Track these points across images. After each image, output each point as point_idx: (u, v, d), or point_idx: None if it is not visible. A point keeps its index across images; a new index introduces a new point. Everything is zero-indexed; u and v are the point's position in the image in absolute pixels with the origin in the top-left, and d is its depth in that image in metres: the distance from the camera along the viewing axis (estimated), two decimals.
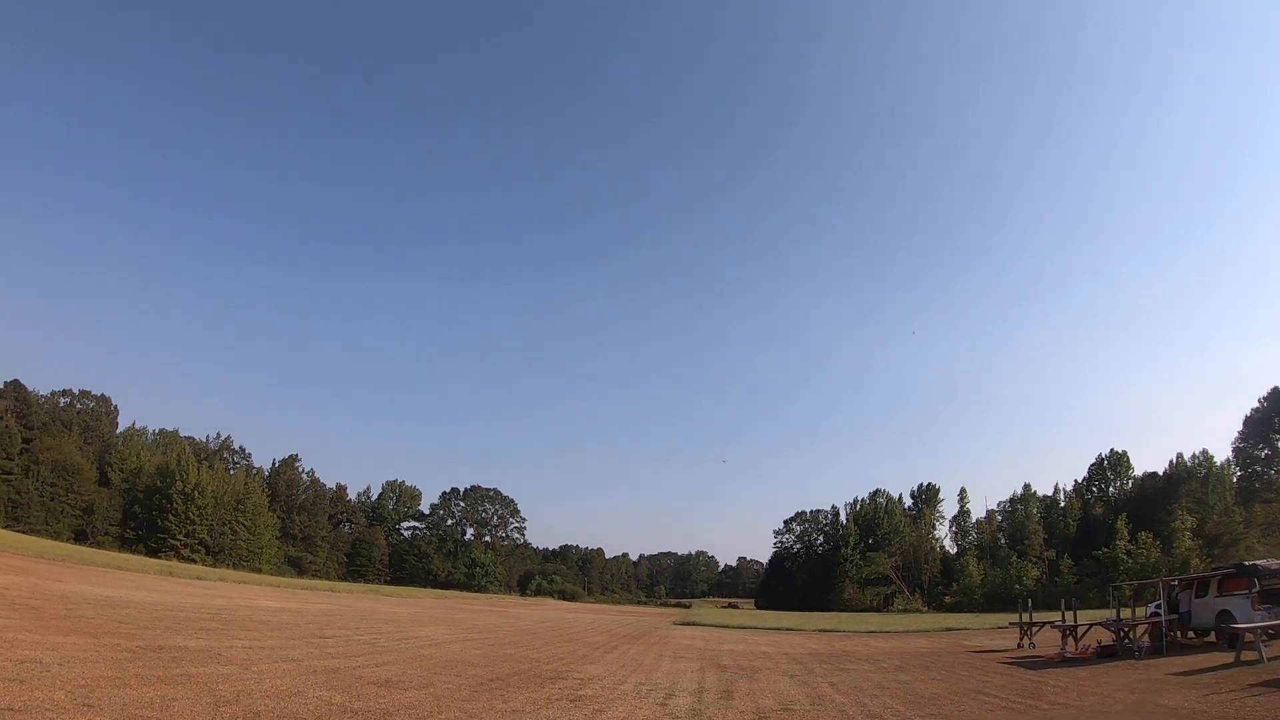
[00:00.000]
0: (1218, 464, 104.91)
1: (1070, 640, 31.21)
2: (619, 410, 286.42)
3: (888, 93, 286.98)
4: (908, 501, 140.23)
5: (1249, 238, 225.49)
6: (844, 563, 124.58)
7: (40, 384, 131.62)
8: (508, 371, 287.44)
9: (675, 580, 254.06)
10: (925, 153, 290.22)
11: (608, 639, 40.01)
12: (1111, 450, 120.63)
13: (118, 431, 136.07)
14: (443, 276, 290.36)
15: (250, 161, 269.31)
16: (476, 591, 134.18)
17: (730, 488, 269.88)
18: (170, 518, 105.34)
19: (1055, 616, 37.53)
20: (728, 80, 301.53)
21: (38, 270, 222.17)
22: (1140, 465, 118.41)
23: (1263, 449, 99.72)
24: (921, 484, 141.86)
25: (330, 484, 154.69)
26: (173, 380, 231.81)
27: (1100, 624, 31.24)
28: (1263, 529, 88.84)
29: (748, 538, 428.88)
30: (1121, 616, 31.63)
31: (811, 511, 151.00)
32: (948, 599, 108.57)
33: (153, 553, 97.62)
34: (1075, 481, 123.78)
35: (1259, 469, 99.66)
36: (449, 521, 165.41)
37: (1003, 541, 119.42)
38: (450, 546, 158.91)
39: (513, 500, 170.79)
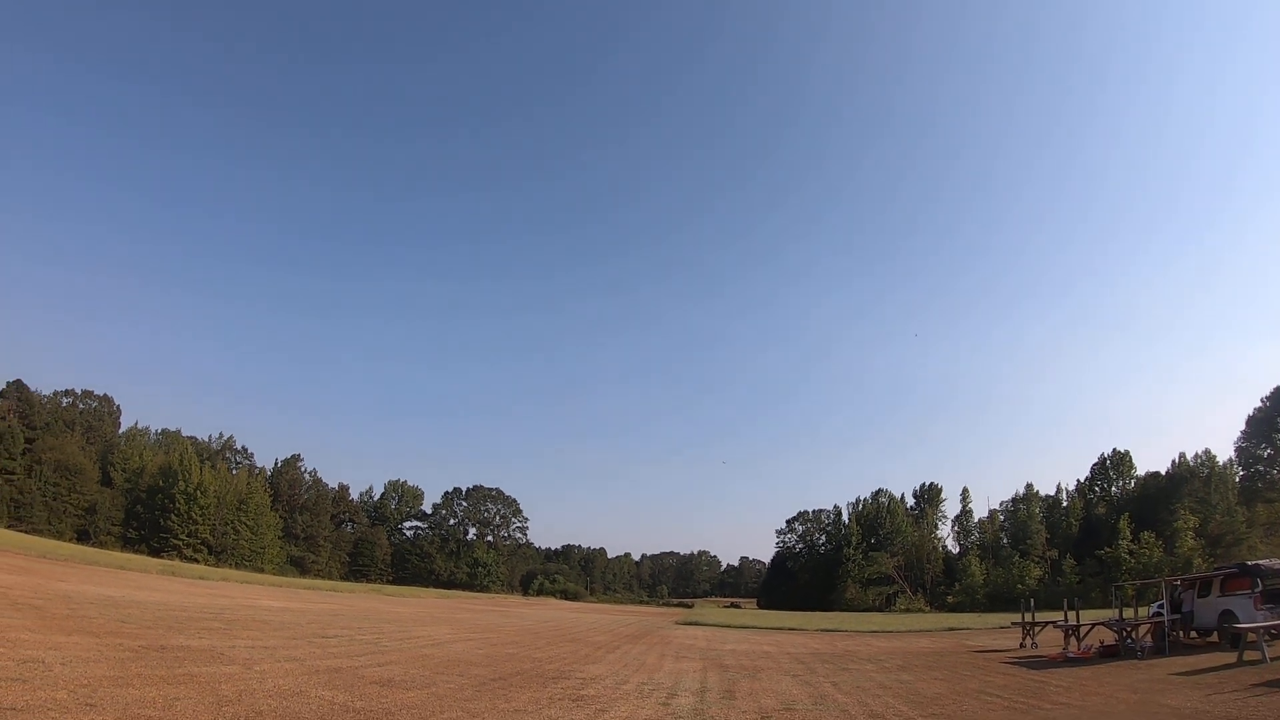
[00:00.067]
0: (1220, 463, 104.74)
1: (1073, 640, 31.17)
2: (621, 409, 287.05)
3: (888, 92, 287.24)
4: (910, 501, 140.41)
5: (1251, 236, 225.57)
6: (846, 562, 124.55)
7: (43, 384, 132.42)
8: (510, 371, 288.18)
9: (677, 580, 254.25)
10: (926, 152, 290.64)
11: (610, 639, 40.01)
12: (1114, 450, 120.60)
13: (120, 431, 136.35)
14: (445, 276, 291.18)
15: (252, 160, 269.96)
16: (479, 591, 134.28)
17: (732, 487, 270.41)
18: (173, 517, 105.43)
19: (1058, 616, 37.47)
20: (728, 80, 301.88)
21: (40, 270, 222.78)
22: (1143, 465, 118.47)
23: (1265, 448, 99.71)
24: (924, 483, 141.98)
25: (333, 484, 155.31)
26: (175, 380, 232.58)
27: (1103, 624, 31.23)
28: (1265, 529, 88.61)
29: (750, 537, 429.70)
30: (1124, 616, 31.62)
31: (814, 511, 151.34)
32: (950, 599, 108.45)
33: (155, 552, 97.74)
34: (1078, 481, 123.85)
35: (1262, 468, 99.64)
36: (451, 521, 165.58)
37: (1005, 541, 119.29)
38: (453, 546, 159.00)
39: (515, 500, 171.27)
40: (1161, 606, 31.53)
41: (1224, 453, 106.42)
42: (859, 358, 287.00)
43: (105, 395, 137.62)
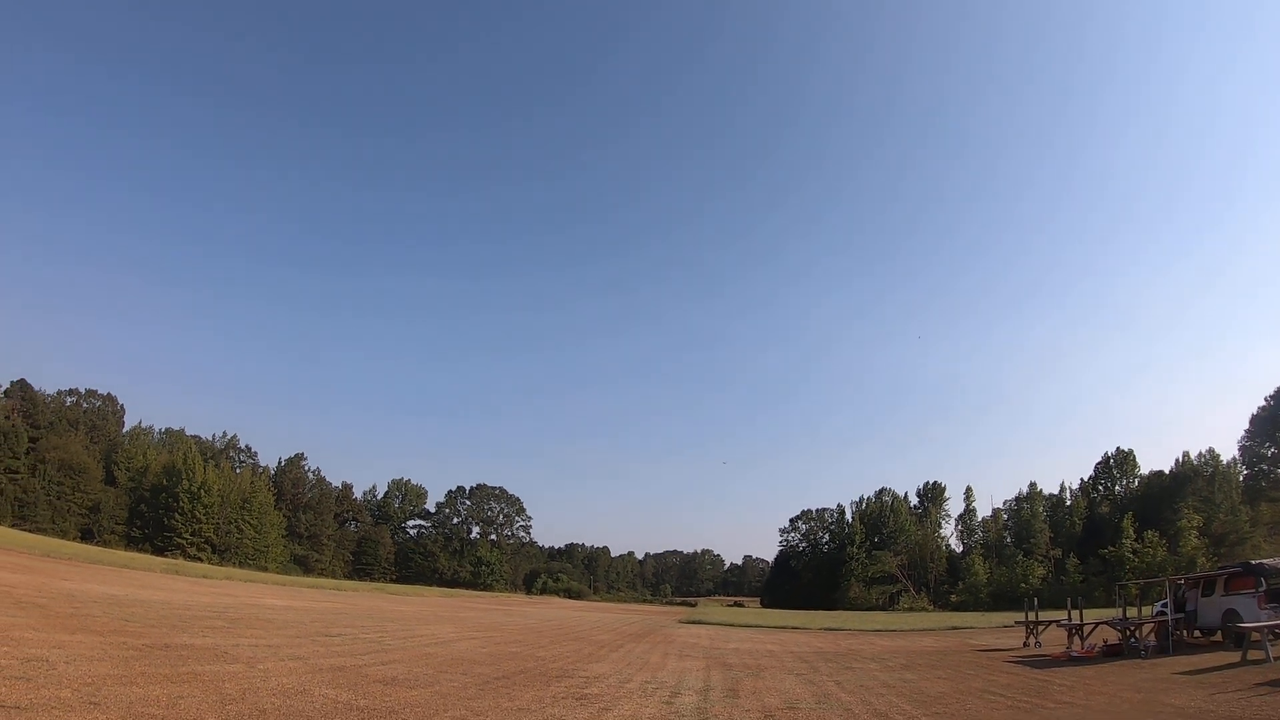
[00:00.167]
0: (1224, 462, 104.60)
1: (1076, 639, 31.12)
2: (623, 408, 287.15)
3: (889, 91, 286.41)
4: (913, 500, 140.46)
5: (1254, 235, 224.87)
6: (850, 561, 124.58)
7: (47, 383, 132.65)
8: (513, 369, 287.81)
9: (681, 579, 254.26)
10: (927, 151, 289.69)
11: (613, 637, 40.02)
12: (1118, 449, 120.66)
13: (124, 430, 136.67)
14: (447, 274, 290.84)
15: (255, 158, 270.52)
16: (482, 590, 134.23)
17: (735, 487, 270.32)
18: (176, 516, 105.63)
19: (1061, 615, 37.44)
20: (728, 80, 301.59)
21: (42, 269, 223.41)
22: (1146, 464, 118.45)
23: (1269, 447, 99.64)
24: (927, 482, 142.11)
25: (336, 482, 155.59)
26: (179, 379, 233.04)
27: (1106, 623, 31.15)
28: (1269, 528, 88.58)
29: (753, 536, 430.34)
30: (1128, 615, 31.55)
31: (817, 510, 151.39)
32: (953, 598, 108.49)
33: (159, 551, 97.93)
34: (1081, 480, 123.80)
35: (1265, 467, 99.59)
36: (455, 520, 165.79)
37: (1009, 540, 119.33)
38: (456, 545, 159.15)
39: (518, 499, 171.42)
40: (1165, 606, 31.49)
41: (1228, 452, 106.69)
42: (861, 357, 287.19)
43: (109, 394, 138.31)
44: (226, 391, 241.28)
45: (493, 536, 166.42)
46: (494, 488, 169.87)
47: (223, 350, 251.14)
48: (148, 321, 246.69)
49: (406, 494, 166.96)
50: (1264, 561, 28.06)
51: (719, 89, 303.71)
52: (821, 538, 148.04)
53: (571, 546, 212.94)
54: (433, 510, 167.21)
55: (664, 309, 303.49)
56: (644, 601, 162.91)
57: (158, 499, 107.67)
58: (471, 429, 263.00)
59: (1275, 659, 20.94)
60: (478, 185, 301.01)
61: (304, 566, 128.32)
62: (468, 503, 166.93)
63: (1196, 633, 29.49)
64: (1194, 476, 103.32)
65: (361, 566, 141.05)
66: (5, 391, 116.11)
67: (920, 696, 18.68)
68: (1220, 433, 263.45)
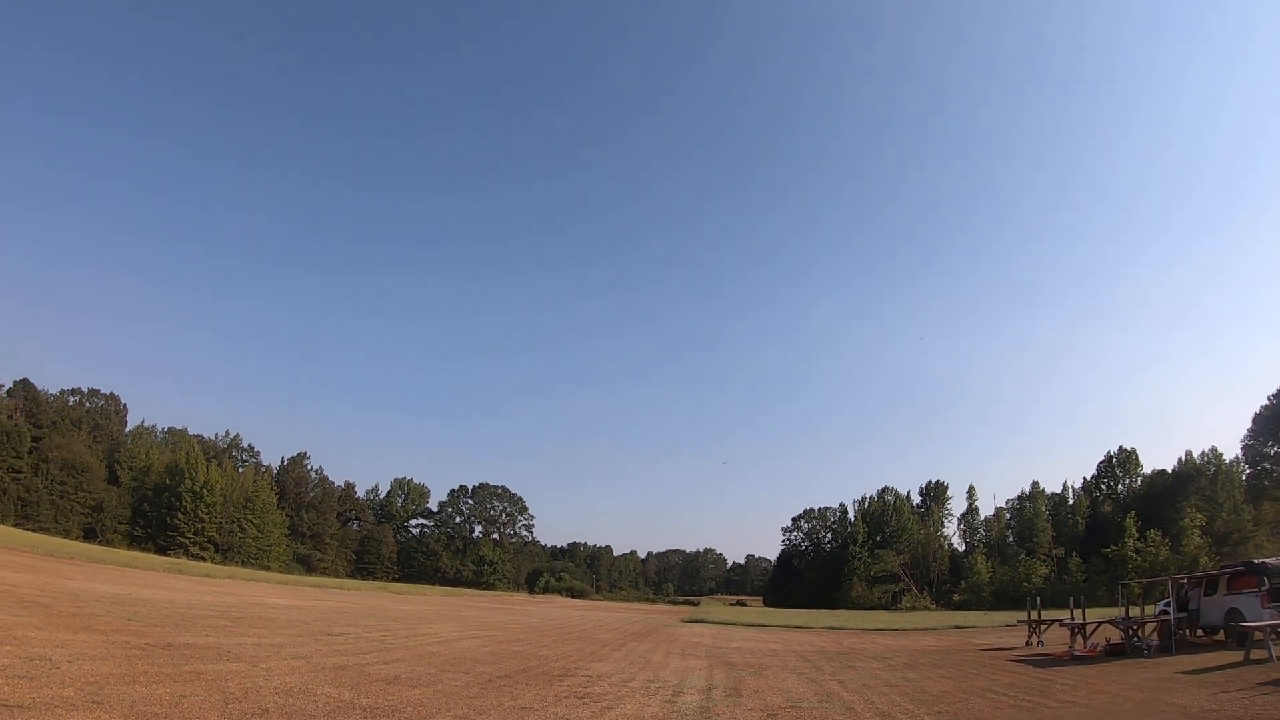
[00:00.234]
0: (1227, 461, 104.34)
1: (1079, 638, 31.11)
2: (626, 407, 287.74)
3: (890, 90, 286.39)
4: (916, 499, 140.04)
5: (1258, 233, 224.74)
6: (852, 560, 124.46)
7: (49, 383, 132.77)
8: (515, 369, 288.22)
9: (683, 578, 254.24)
10: (930, 151, 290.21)
11: (616, 636, 40.03)
12: (1120, 448, 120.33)
13: (127, 430, 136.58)
14: (449, 273, 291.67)
15: (257, 158, 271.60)
16: (485, 589, 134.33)
17: (738, 486, 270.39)
18: (179, 515, 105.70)
19: (1064, 614, 37.44)
20: (728, 80, 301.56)
21: (45, 269, 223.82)
22: (1149, 463, 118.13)
23: (1272, 446, 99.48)
24: (930, 481, 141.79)
25: (339, 482, 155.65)
26: (181, 378, 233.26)
27: (1109, 622, 31.15)
28: (1272, 527, 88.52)
29: (756, 535, 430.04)
30: (1130, 614, 31.55)
31: (820, 509, 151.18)
32: (956, 597, 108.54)
33: (162, 550, 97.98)
34: (1084, 479, 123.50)
35: (1268, 466, 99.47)
36: (457, 519, 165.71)
37: (1011, 539, 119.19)
38: (458, 544, 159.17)
39: (521, 498, 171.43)
40: (1168, 605, 31.49)
41: (1230, 450, 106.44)
42: (862, 356, 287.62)
43: (112, 394, 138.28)
44: (229, 391, 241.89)
45: (495, 536, 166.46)
46: (496, 487, 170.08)
47: (225, 350, 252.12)
48: (150, 321, 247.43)
49: (409, 493, 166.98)
50: (1267, 560, 28.05)
51: (719, 89, 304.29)
52: (824, 537, 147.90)
53: (574, 546, 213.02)
54: (435, 509, 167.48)
55: (665, 309, 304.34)
56: (646, 601, 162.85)
57: (160, 498, 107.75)
58: (473, 428, 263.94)
59: (1278, 658, 20.92)
60: (478, 185, 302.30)
61: (306, 566, 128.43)
62: (470, 502, 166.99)
63: (1199, 632, 29.47)
64: (1197, 475, 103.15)
65: (364, 566, 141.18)
66: (8, 391, 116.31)
67: (923, 695, 18.67)
68: (1223, 431, 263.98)
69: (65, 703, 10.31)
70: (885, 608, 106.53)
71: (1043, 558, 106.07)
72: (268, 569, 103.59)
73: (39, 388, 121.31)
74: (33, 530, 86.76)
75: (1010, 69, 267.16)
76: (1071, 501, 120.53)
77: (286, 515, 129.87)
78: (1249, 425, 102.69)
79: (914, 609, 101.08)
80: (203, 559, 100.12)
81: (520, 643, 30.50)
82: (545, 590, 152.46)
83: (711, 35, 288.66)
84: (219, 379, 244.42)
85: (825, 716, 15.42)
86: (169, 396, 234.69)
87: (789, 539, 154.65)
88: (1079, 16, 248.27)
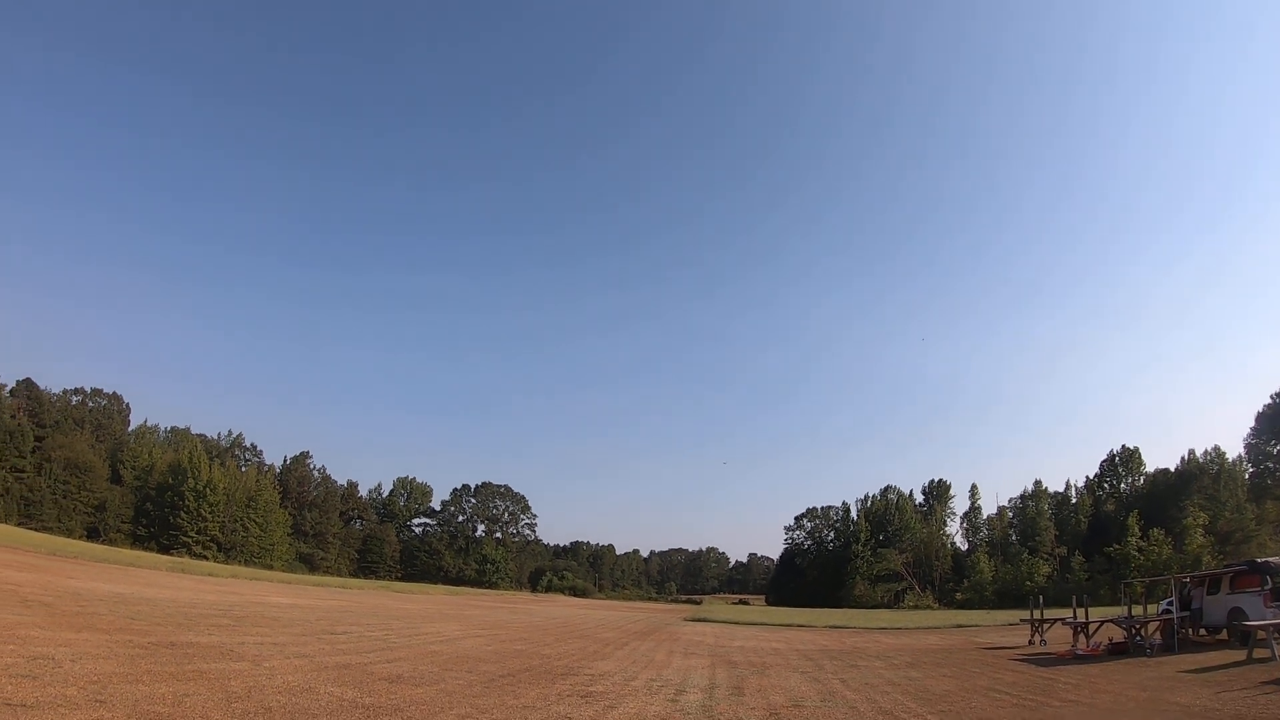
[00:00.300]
0: (1230, 460, 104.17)
1: (1082, 637, 31.08)
2: (628, 406, 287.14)
3: (891, 89, 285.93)
4: (919, 498, 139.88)
5: (1260, 232, 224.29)
6: (855, 559, 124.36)
7: (52, 382, 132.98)
8: (518, 367, 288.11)
9: (686, 576, 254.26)
10: (931, 150, 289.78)
11: (619, 635, 40.05)
12: (1123, 446, 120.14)
13: (130, 429, 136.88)
14: (451, 272, 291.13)
15: (260, 155, 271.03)
16: (488, 588, 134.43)
17: (740, 484, 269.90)
18: (182, 515, 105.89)
19: (1067, 613, 37.42)
20: (728, 80, 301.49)
21: (48, 268, 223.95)
22: (1152, 461, 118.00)
23: (1275, 445, 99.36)
24: (932, 480, 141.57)
25: (341, 481, 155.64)
26: (184, 378, 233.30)
27: (1112, 621, 31.15)
28: (1275, 526, 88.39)
29: (758, 534, 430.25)
30: (1133, 614, 31.53)
31: (822, 508, 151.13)
32: (959, 595, 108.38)
33: (165, 550, 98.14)
34: (1087, 478, 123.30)
35: (1271, 465, 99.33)
36: (460, 518, 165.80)
37: (1014, 538, 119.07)
38: (461, 543, 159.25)
39: (523, 496, 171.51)
40: (1170, 604, 31.47)
41: (1233, 449, 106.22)
42: (866, 354, 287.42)
43: (114, 393, 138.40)
44: (232, 390, 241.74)
45: (498, 534, 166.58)
46: (499, 486, 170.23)
47: (228, 349, 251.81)
48: (153, 320, 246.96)
49: (412, 492, 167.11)
50: (1269, 559, 28.04)
51: (719, 89, 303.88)
52: (826, 535, 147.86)
53: (576, 544, 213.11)
54: (438, 508, 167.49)
55: (667, 307, 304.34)
56: (649, 599, 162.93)
57: (163, 497, 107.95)
58: (476, 427, 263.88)
59: None
60: (480, 184, 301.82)
61: (309, 565, 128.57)
62: (473, 501, 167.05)
63: (1202, 631, 29.46)
64: (1199, 474, 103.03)
65: (367, 565, 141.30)
66: (11, 391, 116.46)
67: (925, 694, 18.67)
68: (1226, 430, 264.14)
69: (69, 702, 10.33)
70: (888, 607, 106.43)
71: (1045, 557, 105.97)
72: (270, 568, 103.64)
73: (42, 387, 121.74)
74: (36, 530, 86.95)
75: (1010, 68, 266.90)
76: (1074, 500, 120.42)
77: (289, 514, 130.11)
78: (1252, 424, 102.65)
79: (917, 608, 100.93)
80: (205, 558, 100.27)
81: (523, 641, 30.53)
82: (548, 589, 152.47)
83: (711, 35, 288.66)
84: (222, 378, 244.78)
85: (828, 715, 15.42)
86: (171, 396, 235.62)
87: (791, 538, 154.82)
88: (1079, 16, 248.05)
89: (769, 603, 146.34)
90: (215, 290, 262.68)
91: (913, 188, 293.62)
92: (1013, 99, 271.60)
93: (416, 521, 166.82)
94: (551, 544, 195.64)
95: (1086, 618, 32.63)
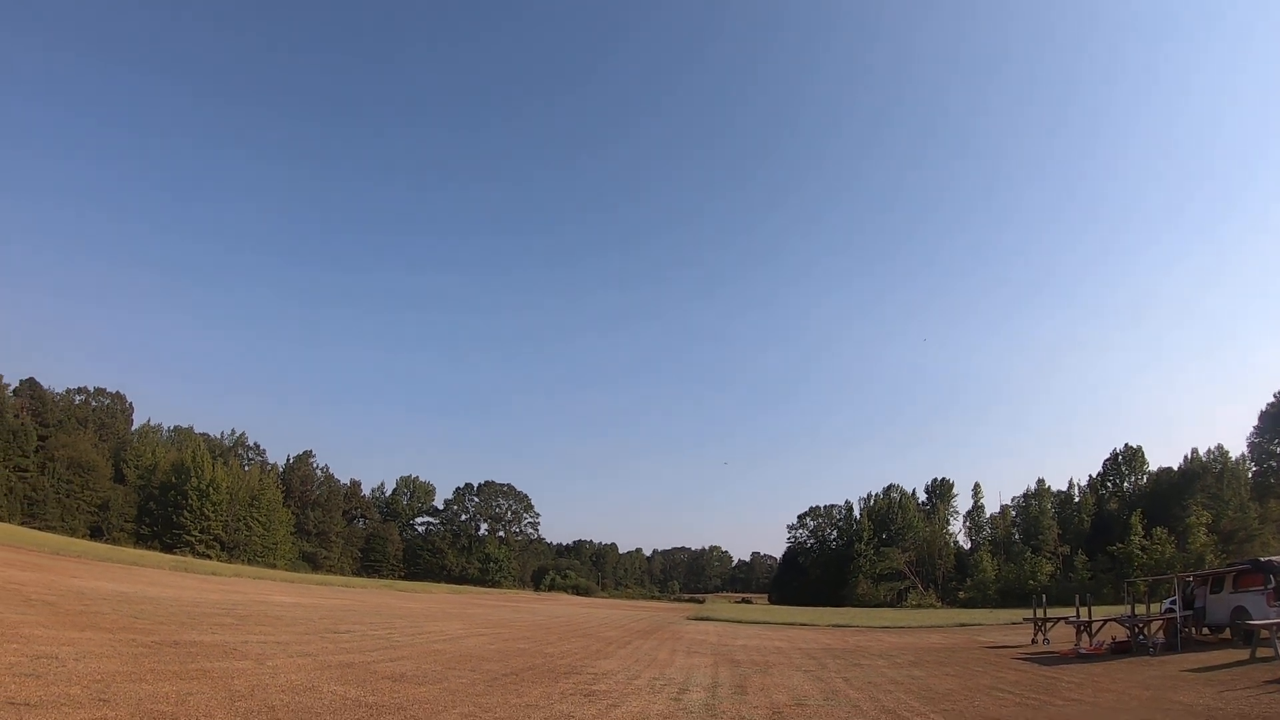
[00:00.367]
0: (1233, 459, 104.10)
1: (1085, 636, 31.07)
2: (631, 405, 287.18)
3: (894, 86, 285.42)
4: (921, 496, 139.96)
5: (1263, 231, 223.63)
6: (858, 558, 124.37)
7: (56, 382, 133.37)
8: (520, 366, 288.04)
9: (689, 575, 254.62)
10: (931, 149, 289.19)
11: (621, 634, 40.07)
12: (1126, 445, 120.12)
13: (133, 429, 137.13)
14: (454, 271, 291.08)
15: (262, 154, 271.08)
16: (490, 587, 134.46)
17: (743, 483, 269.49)
18: (185, 514, 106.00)
19: (1070, 612, 37.40)
20: (728, 80, 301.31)
21: (51, 268, 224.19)
22: (1155, 460, 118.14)
23: (1278, 444, 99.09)
24: (935, 479, 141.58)
25: (344, 480, 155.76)
26: (187, 377, 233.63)
27: (1115, 620, 31.12)
28: (1278, 525, 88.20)
29: (761, 533, 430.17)
30: (1136, 613, 31.48)
31: (825, 506, 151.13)
32: (962, 594, 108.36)
33: (168, 549, 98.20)
34: (1090, 476, 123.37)
35: (1274, 464, 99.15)
36: (463, 517, 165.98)
37: (1017, 537, 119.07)
38: (464, 542, 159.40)
39: (526, 495, 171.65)
40: (1174, 603, 31.40)
41: (1236, 448, 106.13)
42: (867, 354, 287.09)
43: (118, 392, 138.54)
44: (234, 389, 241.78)
45: (501, 533, 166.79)
46: (502, 484, 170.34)
47: (230, 348, 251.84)
48: (156, 320, 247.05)
49: (414, 491, 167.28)
50: (1273, 559, 27.97)
51: (719, 89, 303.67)
52: (829, 534, 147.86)
53: (579, 543, 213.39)
54: (441, 507, 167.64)
55: (667, 307, 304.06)
56: (652, 598, 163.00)
57: (166, 497, 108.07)
58: (479, 426, 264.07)
59: None
60: (481, 183, 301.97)
61: (312, 564, 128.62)
62: (476, 500, 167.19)
63: (1205, 630, 29.44)
64: (1203, 473, 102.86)
65: (370, 563, 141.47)
66: (14, 390, 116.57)
67: (928, 693, 18.66)
68: (1229, 429, 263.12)
69: (72, 700, 10.35)
70: (890, 605, 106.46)
71: (1048, 555, 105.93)
72: (274, 567, 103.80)
73: (45, 386, 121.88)
74: (39, 529, 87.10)
75: (1011, 67, 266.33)
76: (1077, 499, 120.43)
77: (292, 513, 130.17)
78: (1255, 423, 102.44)
79: (919, 607, 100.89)
80: (209, 557, 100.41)
81: (526, 640, 30.55)
82: (551, 588, 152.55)
83: (711, 35, 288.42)
84: (224, 378, 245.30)
85: (831, 714, 15.41)
86: (175, 395, 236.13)
87: (794, 536, 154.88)
88: (1084, 11, 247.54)
89: (772, 601, 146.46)
90: (218, 290, 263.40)
91: (913, 187, 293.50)
92: (1013, 98, 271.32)
93: (419, 520, 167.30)
94: (554, 543, 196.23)
95: (1089, 616, 32.61)
